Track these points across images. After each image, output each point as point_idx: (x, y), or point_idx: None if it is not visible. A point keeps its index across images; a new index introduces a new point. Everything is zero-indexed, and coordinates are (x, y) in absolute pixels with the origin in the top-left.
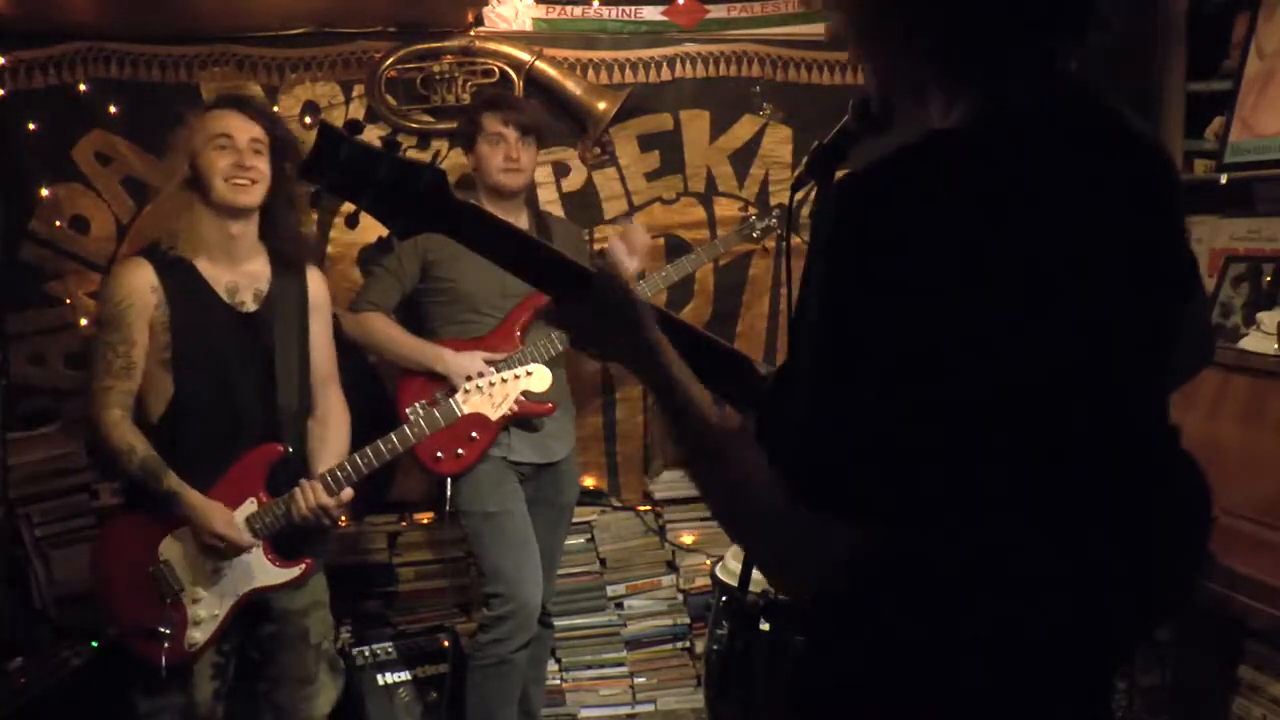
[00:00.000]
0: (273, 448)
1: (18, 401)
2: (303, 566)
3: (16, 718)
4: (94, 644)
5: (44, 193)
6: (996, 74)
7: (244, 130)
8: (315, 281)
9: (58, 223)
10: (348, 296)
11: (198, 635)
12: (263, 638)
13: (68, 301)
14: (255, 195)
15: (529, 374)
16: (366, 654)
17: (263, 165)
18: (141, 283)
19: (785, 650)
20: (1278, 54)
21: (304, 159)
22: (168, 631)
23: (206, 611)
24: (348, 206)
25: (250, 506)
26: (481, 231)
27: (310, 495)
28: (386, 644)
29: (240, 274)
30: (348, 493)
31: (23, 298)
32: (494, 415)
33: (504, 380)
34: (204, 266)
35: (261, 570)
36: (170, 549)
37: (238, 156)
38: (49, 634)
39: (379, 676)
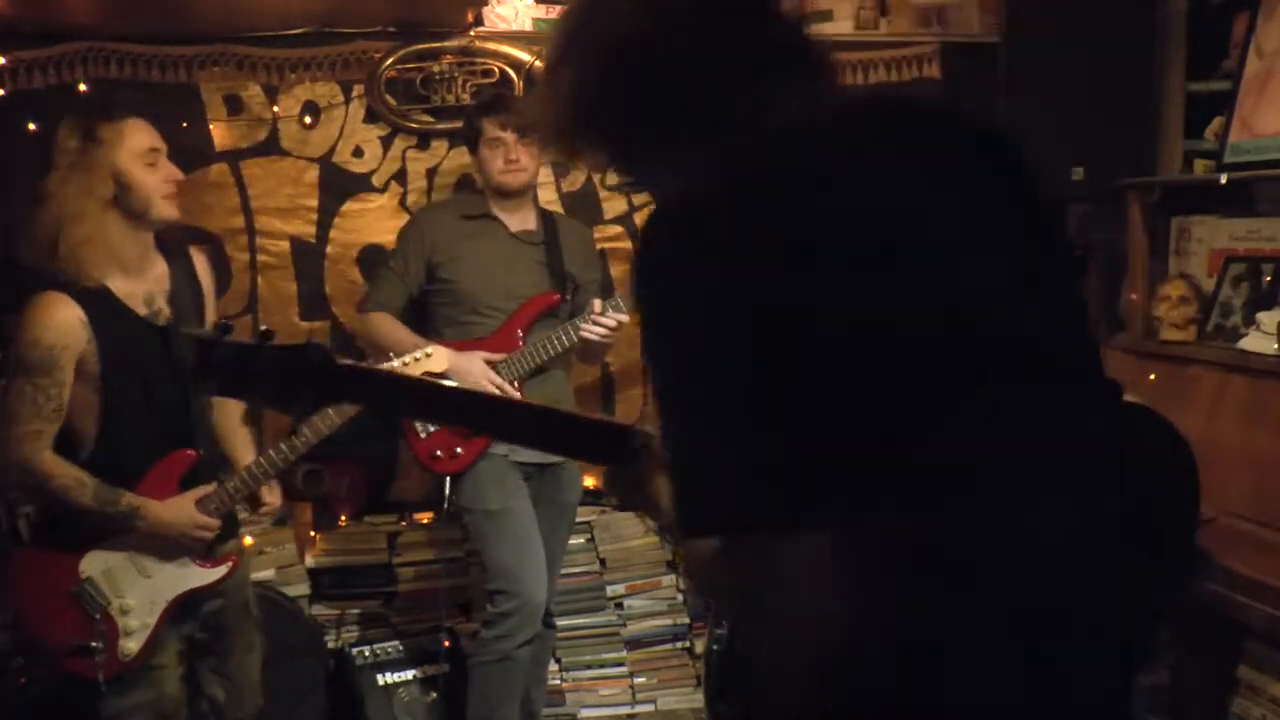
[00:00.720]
0: (185, 454)
1: None
2: (229, 565)
3: (16, 718)
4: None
5: None
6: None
7: (160, 142)
8: (201, 264)
9: None
10: (347, 296)
11: (131, 645)
12: (207, 616)
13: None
14: (177, 205)
15: (428, 355)
16: (366, 654)
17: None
18: (72, 321)
19: None
20: (1278, 54)
21: (190, 371)
22: (99, 645)
23: (138, 621)
24: (349, 205)
25: None
26: (381, 391)
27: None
28: (386, 644)
29: (150, 281)
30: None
31: (23, 298)
32: None
33: (404, 364)
34: (117, 286)
35: (187, 574)
36: (91, 565)
37: (166, 170)
38: None
39: (379, 676)
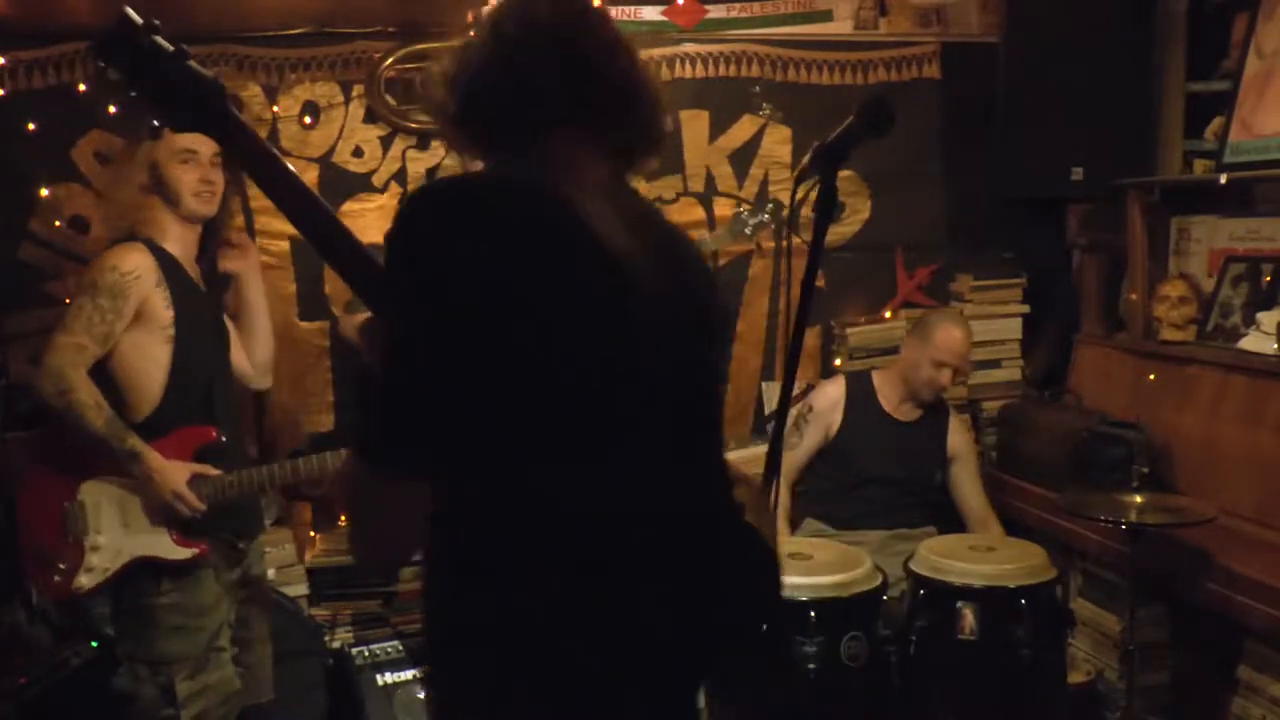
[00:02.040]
0: (207, 431)
1: (17, 401)
2: (196, 550)
3: (16, 718)
4: (94, 644)
5: (44, 193)
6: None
7: (206, 145)
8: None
9: (57, 223)
10: (346, 296)
11: (85, 581)
12: (239, 605)
13: (67, 301)
14: (216, 204)
15: None
16: (366, 654)
17: (220, 176)
18: (148, 263)
19: (787, 652)
20: (1277, 54)
21: (99, 39)
22: (64, 567)
23: (99, 561)
24: (349, 205)
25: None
26: (256, 157)
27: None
28: (386, 644)
29: (193, 259)
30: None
31: (23, 298)
32: None
33: None
34: (175, 252)
35: (158, 542)
36: (89, 492)
37: (202, 171)
38: (49, 634)
39: (378, 676)
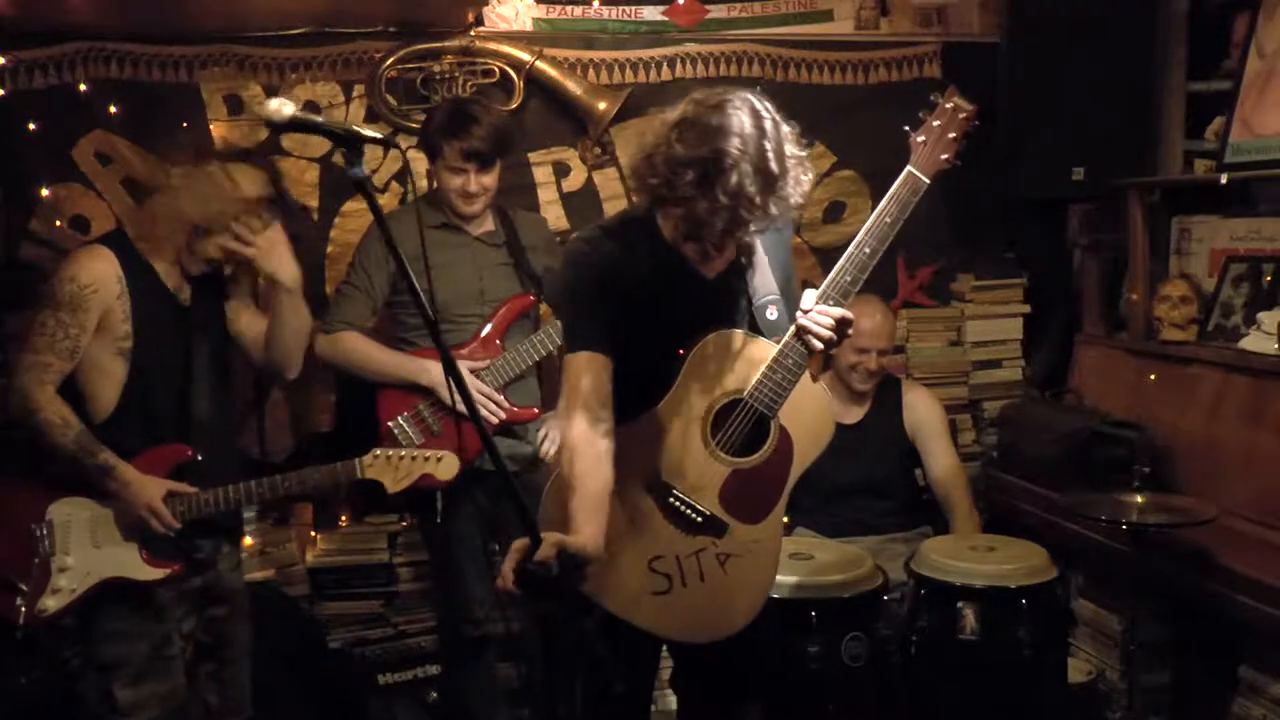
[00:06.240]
0: (183, 450)
1: None
2: (168, 570)
3: (16, 718)
4: None
5: (44, 193)
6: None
7: (231, 203)
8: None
9: (58, 223)
10: None
11: (51, 603)
12: (213, 620)
13: None
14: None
15: (439, 460)
16: (366, 654)
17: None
18: (108, 271)
19: (786, 651)
20: (1278, 54)
21: None
22: (26, 590)
23: (67, 583)
24: (349, 205)
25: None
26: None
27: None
28: (386, 644)
29: (180, 273)
30: None
31: (23, 298)
32: (391, 488)
33: (412, 458)
34: (159, 266)
35: (130, 562)
36: (57, 511)
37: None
38: (49, 634)
39: (379, 676)
